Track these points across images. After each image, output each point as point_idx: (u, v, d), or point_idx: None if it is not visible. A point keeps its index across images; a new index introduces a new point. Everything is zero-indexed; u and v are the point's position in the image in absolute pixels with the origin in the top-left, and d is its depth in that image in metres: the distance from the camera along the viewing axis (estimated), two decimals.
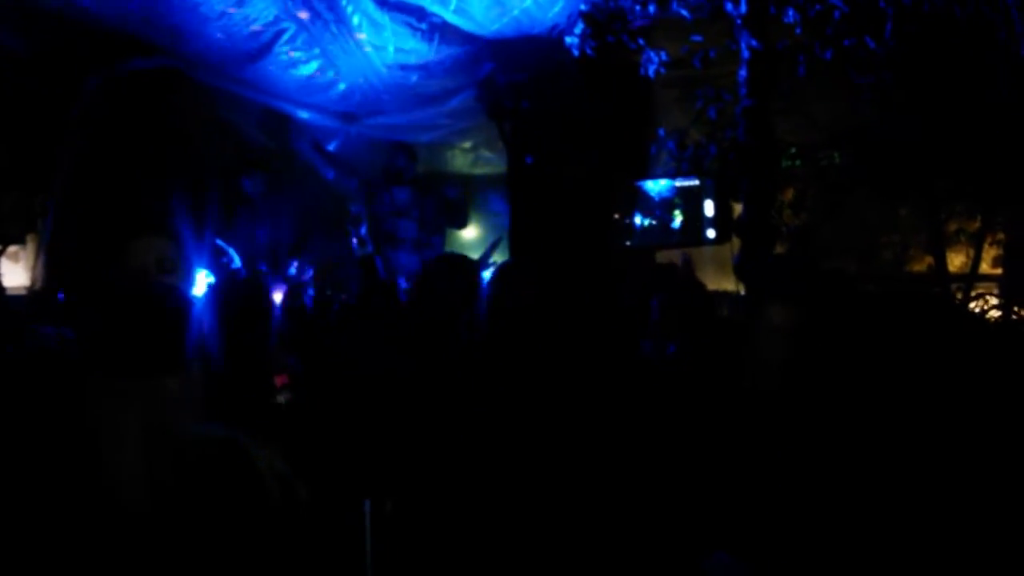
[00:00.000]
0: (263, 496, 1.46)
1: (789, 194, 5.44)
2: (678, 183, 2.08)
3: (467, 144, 6.41)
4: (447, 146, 6.45)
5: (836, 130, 5.30)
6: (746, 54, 4.51)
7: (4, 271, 5.66)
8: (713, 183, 2.07)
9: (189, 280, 2.44)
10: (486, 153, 6.40)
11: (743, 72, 4.51)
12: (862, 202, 5.51)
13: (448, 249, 5.88)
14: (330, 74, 5.76)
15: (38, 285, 5.74)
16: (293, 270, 5.38)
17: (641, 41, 4.89)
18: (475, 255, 6.43)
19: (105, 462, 1.31)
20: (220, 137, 5.97)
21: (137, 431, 1.36)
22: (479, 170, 6.54)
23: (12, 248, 5.82)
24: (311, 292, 4.87)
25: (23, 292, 5.69)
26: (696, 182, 2.12)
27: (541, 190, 5.23)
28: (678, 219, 2.18)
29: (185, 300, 1.59)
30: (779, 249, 4.82)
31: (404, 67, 5.60)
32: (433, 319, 2.69)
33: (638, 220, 2.21)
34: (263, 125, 6.05)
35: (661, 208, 2.22)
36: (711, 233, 2.03)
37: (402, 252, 5.56)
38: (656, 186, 2.18)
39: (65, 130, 5.55)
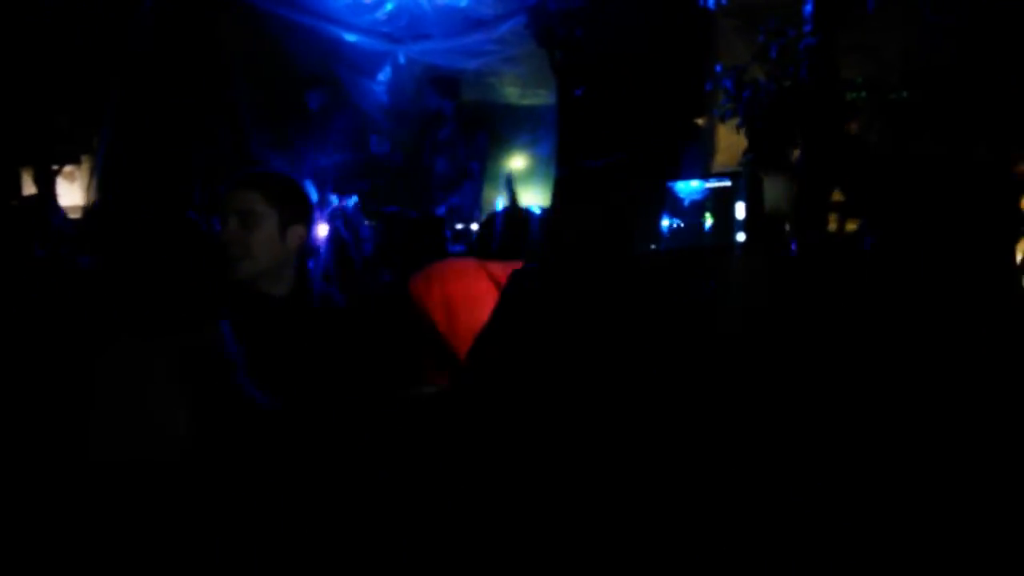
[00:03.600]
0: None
1: (852, 129, 5.21)
2: (709, 184, 1.98)
3: (515, 73, 6.23)
4: (495, 74, 6.27)
5: (906, 68, 5.00)
6: None
7: (60, 191, 5.82)
8: (745, 183, 1.97)
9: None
10: (534, 83, 6.22)
11: (808, 7, 4.26)
12: (930, 145, 5.24)
13: (485, 183, 5.81)
14: None
15: (92, 205, 5.86)
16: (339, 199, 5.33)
17: None
18: (522, 190, 6.34)
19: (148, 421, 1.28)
20: (269, 61, 5.92)
21: (176, 388, 1.33)
22: (527, 101, 6.36)
23: (68, 168, 5.96)
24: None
25: (79, 212, 5.83)
26: (728, 183, 2.02)
27: (591, 125, 5.07)
28: (708, 222, 2.08)
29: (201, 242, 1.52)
30: (836, 194, 4.63)
31: None
32: None
33: (666, 223, 2.11)
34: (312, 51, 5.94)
35: (691, 211, 2.12)
36: (741, 236, 1.92)
37: (438, 189, 5.46)
38: (687, 188, 2.09)
39: (119, 53, 5.56)
